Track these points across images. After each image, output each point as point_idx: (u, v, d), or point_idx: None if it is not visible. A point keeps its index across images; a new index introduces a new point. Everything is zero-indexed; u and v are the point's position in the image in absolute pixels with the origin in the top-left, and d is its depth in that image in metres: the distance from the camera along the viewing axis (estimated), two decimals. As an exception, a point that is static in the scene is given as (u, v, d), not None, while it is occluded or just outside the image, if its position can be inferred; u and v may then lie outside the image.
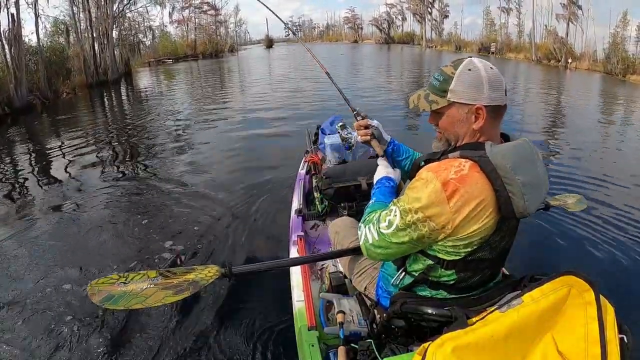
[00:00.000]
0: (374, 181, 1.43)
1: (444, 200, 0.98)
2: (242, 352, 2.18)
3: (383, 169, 1.44)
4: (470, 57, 1.12)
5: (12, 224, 3.78)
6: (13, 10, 10.94)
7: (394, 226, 1.06)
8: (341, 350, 1.32)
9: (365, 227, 1.17)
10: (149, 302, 1.24)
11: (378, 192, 1.34)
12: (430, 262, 1.13)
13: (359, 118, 1.57)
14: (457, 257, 1.07)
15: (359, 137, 1.56)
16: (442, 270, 1.12)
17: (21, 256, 3.16)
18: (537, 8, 27.99)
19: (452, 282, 1.14)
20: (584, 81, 17.05)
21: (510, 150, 1.02)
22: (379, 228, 1.11)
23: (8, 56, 10.78)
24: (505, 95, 1.10)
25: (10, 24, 10.87)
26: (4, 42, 10.79)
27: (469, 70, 1.07)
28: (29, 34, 12.62)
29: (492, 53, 30.19)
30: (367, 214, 1.22)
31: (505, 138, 1.15)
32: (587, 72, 19.86)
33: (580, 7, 25.45)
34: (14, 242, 3.40)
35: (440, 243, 1.05)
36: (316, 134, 3.53)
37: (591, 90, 14.58)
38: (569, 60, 22.68)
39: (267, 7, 2.65)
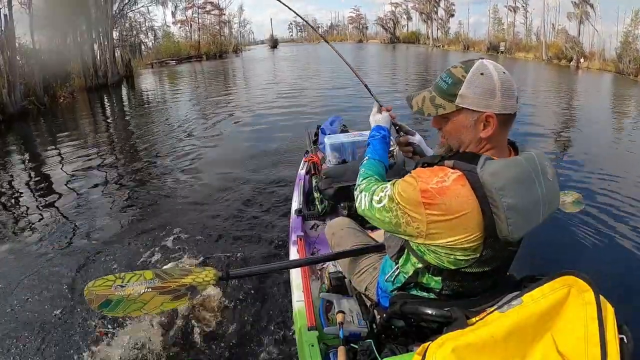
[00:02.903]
0: (371, 124, 1.49)
1: (420, 205, 0.99)
2: (242, 351, 2.20)
3: (372, 117, 1.50)
4: (481, 58, 1.07)
5: (5, 233, 3.74)
6: (5, 11, 10.42)
7: (382, 204, 1.10)
8: (341, 350, 1.34)
9: (361, 193, 1.21)
10: (147, 308, 1.27)
11: (372, 146, 1.39)
12: (419, 265, 1.15)
13: (401, 134, 1.57)
14: (443, 266, 1.09)
15: (402, 153, 1.57)
16: (429, 275, 1.14)
17: (18, 265, 3.15)
18: (545, 7, 27.93)
19: (438, 290, 1.15)
20: (596, 81, 16.97)
21: (502, 169, 0.97)
22: (372, 200, 1.14)
23: (0, 59, 10.29)
24: (517, 102, 1.05)
25: (2, 25, 10.39)
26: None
27: (482, 74, 1.02)
28: (21, 35, 11.65)
29: (502, 52, 30.09)
30: (365, 179, 1.26)
31: (514, 147, 1.13)
32: (598, 72, 19.74)
33: (592, 6, 25.36)
34: (10, 252, 3.38)
35: (420, 241, 1.06)
36: (316, 134, 3.56)
37: (603, 90, 14.52)
38: (581, 60, 22.57)
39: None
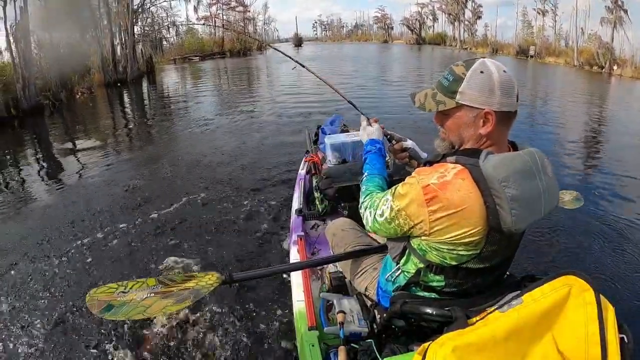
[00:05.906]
0: (364, 142, 1.54)
1: (422, 204, 1.03)
2: (243, 351, 2.23)
3: (363, 131, 1.57)
4: (484, 57, 1.11)
5: (15, 235, 3.72)
6: (21, 2, 10.02)
7: (384, 217, 1.15)
8: (341, 350, 1.35)
9: (366, 211, 1.26)
10: (150, 312, 1.30)
11: (369, 162, 1.43)
12: (421, 265, 1.16)
13: (393, 142, 1.61)
14: (445, 264, 1.10)
15: (397, 160, 1.63)
16: (432, 274, 1.15)
17: (24, 264, 3.18)
18: (575, 10, 27.38)
19: (440, 288, 1.16)
20: (631, 89, 16.60)
21: (505, 161, 1.01)
22: (376, 215, 1.19)
23: (15, 53, 10.05)
24: (517, 101, 1.08)
25: (17, 18, 10.01)
26: (11, 37, 10.04)
27: (481, 72, 1.06)
28: (36, 28, 11.40)
29: (531, 57, 29.63)
30: (367, 195, 1.30)
31: (513, 146, 1.15)
32: (631, 80, 19.27)
33: (626, 12, 24.73)
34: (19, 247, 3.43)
35: (423, 239, 1.09)
36: (316, 134, 3.57)
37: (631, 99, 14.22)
38: (614, 67, 22.05)
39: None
